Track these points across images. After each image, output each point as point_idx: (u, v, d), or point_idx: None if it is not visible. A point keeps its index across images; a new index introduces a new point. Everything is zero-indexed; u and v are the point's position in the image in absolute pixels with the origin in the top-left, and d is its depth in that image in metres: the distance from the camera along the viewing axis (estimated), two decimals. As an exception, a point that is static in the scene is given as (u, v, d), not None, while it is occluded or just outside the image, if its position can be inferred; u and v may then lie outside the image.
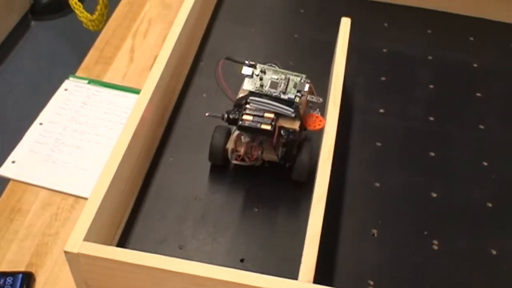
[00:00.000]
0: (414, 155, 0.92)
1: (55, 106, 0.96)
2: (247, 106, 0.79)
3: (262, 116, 0.78)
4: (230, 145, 0.82)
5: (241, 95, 0.81)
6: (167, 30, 0.93)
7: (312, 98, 0.81)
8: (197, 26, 1.03)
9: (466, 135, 0.95)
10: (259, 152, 0.81)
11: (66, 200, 0.84)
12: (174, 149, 0.89)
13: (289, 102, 0.79)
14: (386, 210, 0.84)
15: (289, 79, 0.81)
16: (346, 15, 0.97)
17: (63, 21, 2.67)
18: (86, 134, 0.92)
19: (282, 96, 0.79)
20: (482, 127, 0.97)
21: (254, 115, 0.78)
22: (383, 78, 1.03)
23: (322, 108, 0.86)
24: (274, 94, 0.79)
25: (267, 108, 0.78)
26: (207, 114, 0.83)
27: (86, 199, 0.81)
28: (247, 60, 0.81)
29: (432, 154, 0.92)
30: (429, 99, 1.00)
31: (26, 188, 0.85)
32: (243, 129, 0.78)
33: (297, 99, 0.79)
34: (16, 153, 0.89)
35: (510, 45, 1.14)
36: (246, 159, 0.82)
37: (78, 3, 2.08)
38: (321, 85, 0.89)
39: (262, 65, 0.81)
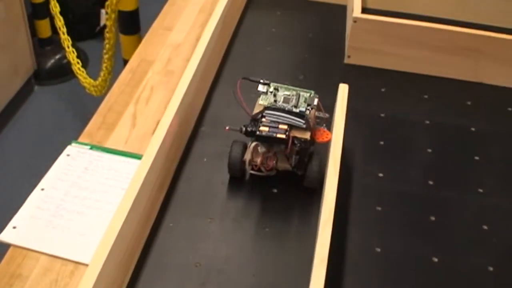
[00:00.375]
0: (415, 219, 0.92)
1: (57, 171, 0.97)
2: (263, 119, 0.87)
3: (277, 127, 0.86)
4: (247, 156, 0.89)
5: (256, 110, 0.90)
6: (169, 97, 0.94)
7: (320, 114, 0.91)
8: (198, 93, 1.05)
9: (466, 199, 0.96)
10: (274, 162, 0.88)
11: (66, 266, 0.83)
12: (175, 215, 0.89)
13: (300, 115, 0.88)
14: (387, 276, 0.84)
15: (299, 94, 0.91)
16: (345, 81, 0.99)
17: (66, 86, 2.72)
18: (87, 199, 0.93)
19: (294, 110, 0.89)
20: (481, 190, 0.97)
21: (270, 127, 0.86)
22: (381, 142, 1.05)
23: (329, 125, 0.93)
24: (287, 108, 0.89)
25: (281, 120, 0.87)
26: (227, 127, 0.90)
27: (86, 265, 0.81)
28: (262, 79, 0.91)
29: (433, 218, 0.92)
30: (428, 163, 1.01)
31: (26, 254, 0.85)
32: (261, 138, 0.86)
33: (307, 112, 0.89)
34: (17, 219, 0.89)
35: (507, 109, 1.15)
36: (263, 169, 0.89)
37: (82, 69, 2.12)
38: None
39: (275, 84, 0.91)
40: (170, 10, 1.42)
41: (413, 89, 1.18)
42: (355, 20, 1.19)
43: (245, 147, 0.91)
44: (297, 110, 0.89)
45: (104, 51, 2.02)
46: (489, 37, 1.16)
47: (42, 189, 0.94)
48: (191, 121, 1.03)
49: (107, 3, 1.89)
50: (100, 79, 2.10)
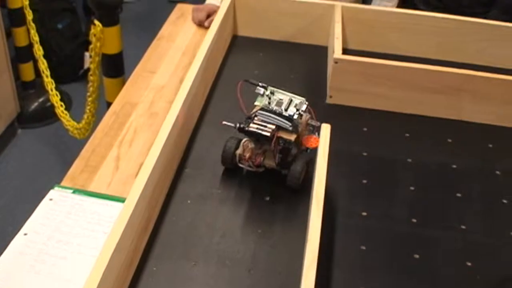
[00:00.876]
0: (399, 258, 0.92)
1: (40, 216, 0.97)
2: (255, 118, 0.96)
3: (266, 126, 0.95)
4: (239, 151, 0.99)
5: (253, 110, 0.98)
6: (152, 139, 0.95)
7: (312, 122, 0.98)
8: (182, 134, 1.05)
9: (449, 235, 0.96)
10: (262, 158, 0.98)
11: (49, 313, 0.82)
12: (158, 258, 0.88)
13: (289, 118, 0.96)
14: (373, 315, 0.83)
15: (291, 100, 0.98)
16: (327, 121, 1.00)
17: (49, 129, 2.71)
18: (69, 244, 0.92)
19: (284, 113, 0.97)
20: (464, 227, 0.98)
21: (259, 125, 0.95)
22: (364, 181, 1.05)
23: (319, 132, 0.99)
24: (278, 111, 0.97)
25: (270, 121, 0.95)
26: (223, 122, 0.98)
27: (69, 311, 0.80)
28: (260, 83, 0.98)
29: (417, 256, 0.92)
30: (411, 201, 1.02)
31: (8, 301, 0.84)
32: (248, 133, 0.96)
33: (295, 116, 0.96)
34: (0, 264, 0.88)
35: (488, 145, 1.17)
36: (251, 163, 0.98)
37: (65, 112, 2.12)
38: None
39: (272, 88, 0.99)
40: (154, 53, 1.44)
41: (395, 127, 1.19)
42: (336, 61, 1.20)
43: (239, 143, 1.00)
44: (287, 114, 0.96)
45: (88, 93, 2.03)
46: (469, 75, 1.18)
47: (25, 234, 0.93)
48: (174, 162, 1.03)
49: (91, 46, 1.91)
50: (83, 121, 2.10)
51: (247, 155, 0.98)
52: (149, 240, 0.90)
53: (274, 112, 0.97)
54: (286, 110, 0.97)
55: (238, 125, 0.96)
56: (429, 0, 2.43)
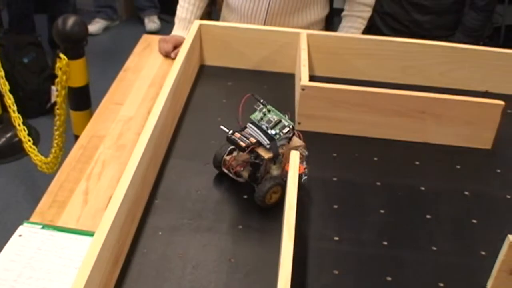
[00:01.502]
0: (372, 280, 0.92)
1: (9, 253, 0.95)
2: (245, 129, 1.02)
3: (248, 139, 1.00)
4: (227, 157, 1.06)
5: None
6: (121, 171, 0.94)
7: (300, 150, 1.03)
8: (150, 166, 1.05)
9: (420, 257, 0.97)
10: (241, 168, 1.03)
11: None
12: (131, 291, 0.87)
13: (270, 137, 1.00)
14: None
15: (280, 121, 1.02)
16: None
17: (17, 164, 2.68)
18: (40, 280, 0.90)
19: (269, 131, 1.01)
20: (434, 248, 0.99)
21: (243, 136, 1.01)
22: (335, 206, 1.06)
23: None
24: (264, 128, 1.01)
25: (254, 134, 1.01)
26: (221, 126, 1.03)
27: None
28: (262, 99, 1.04)
29: (389, 278, 0.92)
30: (381, 224, 1.03)
31: None
32: (229, 140, 1.02)
33: (277, 136, 1.00)
34: (-33, 305, 0.87)
35: (455, 166, 1.19)
36: (231, 170, 1.05)
37: (33, 146, 2.10)
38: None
39: (270, 107, 1.04)
40: (120, 85, 1.44)
41: (363, 152, 1.20)
42: (303, 88, 1.22)
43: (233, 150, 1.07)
44: (270, 132, 1.01)
45: (55, 127, 2.01)
46: (432, 98, 1.20)
47: (-7, 272, 0.92)
48: (144, 194, 1.02)
49: (57, 80, 1.90)
50: (51, 156, 2.08)
51: (231, 162, 1.04)
52: (120, 274, 0.89)
53: (260, 128, 1.01)
54: (272, 129, 1.01)
55: (230, 132, 1.02)
56: (394, 26, 2.48)
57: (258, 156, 1.00)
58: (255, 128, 1.01)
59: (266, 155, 1.00)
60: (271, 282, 0.87)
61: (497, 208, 1.09)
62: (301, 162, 1.03)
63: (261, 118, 1.03)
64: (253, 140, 1.00)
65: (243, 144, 1.00)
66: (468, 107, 1.20)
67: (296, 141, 1.04)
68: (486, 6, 2.40)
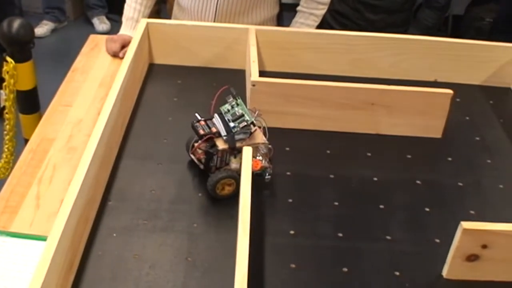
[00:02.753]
0: (329, 273, 0.93)
1: (-42, 262, 0.93)
2: (212, 119, 1.05)
3: (210, 128, 1.04)
4: (196, 143, 1.06)
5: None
6: (72, 174, 0.92)
7: (262, 147, 1.06)
8: (102, 167, 1.03)
9: (375, 247, 0.98)
10: (203, 156, 1.05)
11: None
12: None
13: (229, 129, 1.03)
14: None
15: (242, 115, 1.04)
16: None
17: (-34, 171, 2.60)
18: (-7, 288, 0.88)
19: (230, 124, 1.03)
20: (389, 237, 1.00)
21: (207, 125, 1.05)
22: (290, 200, 1.06)
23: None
24: (227, 120, 1.04)
25: (216, 125, 1.04)
26: (196, 114, 1.06)
27: None
28: (235, 93, 1.06)
29: (345, 269, 0.93)
30: (336, 216, 1.04)
31: None
32: (192, 127, 1.05)
33: (235, 129, 1.03)
34: None
35: (406, 156, 1.20)
36: (194, 155, 1.07)
37: (-18, 153, 2.05)
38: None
39: (240, 100, 1.06)
40: (69, 86, 1.41)
41: (316, 145, 1.21)
42: (254, 84, 1.22)
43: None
44: (230, 125, 1.03)
45: (5, 132, 1.97)
46: (382, 90, 1.22)
47: None
48: (97, 196, 1.01)
49: (4, 83, 1.85)
50: (2, 161, 2.03)
51: (196, 148, 1.06)
52: (75, 278, 0.88)
53: (224, 120, 1.04)
54: (233, 121, 1.04)
55: (197, 120, 1.06)
56: (345, 23, 2.50)
57: (213, 145, 1.03)
58: (219, 119, 1.04)
59: (221, 146, 1.03)
60: (229, 279, 0.87)
61: (449, 196, 1.11)
62: (263, 159, 1.05)
63: (228, 111, 1.05)
64: (214, 130, 1.04)
65: (201, 132, 1.03)
66: (417, 97, 1.22)
67: (259, 137, 1.06)
68: (443, 7, 2.43)
